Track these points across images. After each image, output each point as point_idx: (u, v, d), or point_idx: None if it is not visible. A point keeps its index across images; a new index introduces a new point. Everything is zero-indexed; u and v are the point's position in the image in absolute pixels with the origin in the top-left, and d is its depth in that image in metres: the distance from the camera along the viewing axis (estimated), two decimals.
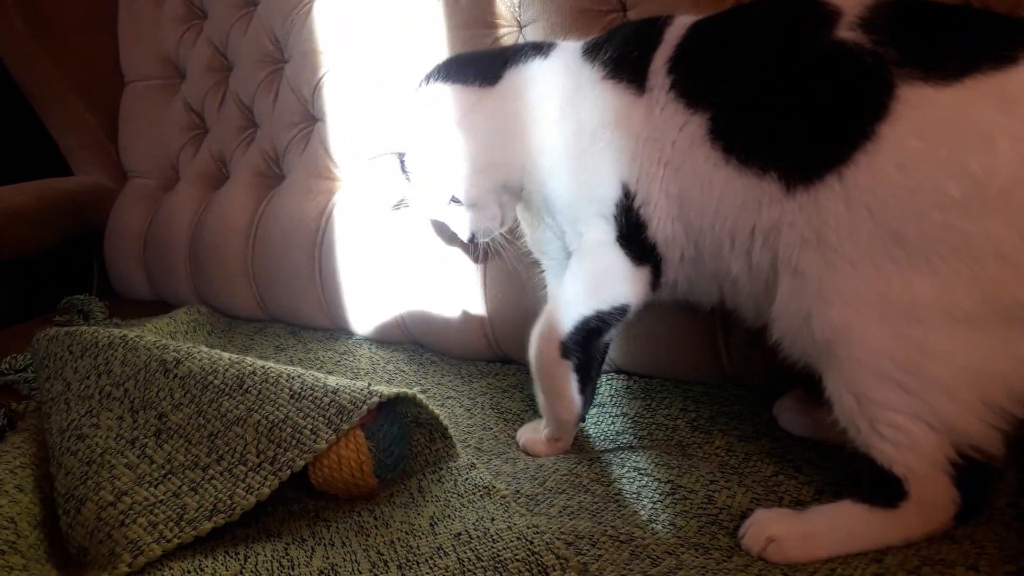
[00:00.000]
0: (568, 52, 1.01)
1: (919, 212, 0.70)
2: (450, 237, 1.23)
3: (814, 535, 0.77)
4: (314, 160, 1.56)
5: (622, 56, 0.94)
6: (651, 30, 0.92)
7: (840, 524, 0.77)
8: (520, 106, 1.00)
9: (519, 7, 1.28)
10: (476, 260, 1.30)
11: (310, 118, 1.60)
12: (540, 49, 1.03)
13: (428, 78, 1.07)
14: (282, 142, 1.64)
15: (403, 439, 0.93)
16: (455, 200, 1.05)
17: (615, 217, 0.93)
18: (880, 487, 0.76)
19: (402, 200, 1.35)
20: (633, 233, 0.92)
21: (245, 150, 1.73)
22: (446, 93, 1.04)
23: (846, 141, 0.73)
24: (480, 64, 1.05)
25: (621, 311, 0.95)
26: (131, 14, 1.96)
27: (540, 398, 1.01)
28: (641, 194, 0.90)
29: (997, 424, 0.72)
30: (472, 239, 1.08)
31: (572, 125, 0.96)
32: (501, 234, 1.09)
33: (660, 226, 0.90)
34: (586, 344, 0.96)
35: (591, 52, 0.97)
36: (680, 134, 0.86)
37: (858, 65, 0.74)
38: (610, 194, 0.92)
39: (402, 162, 1.11)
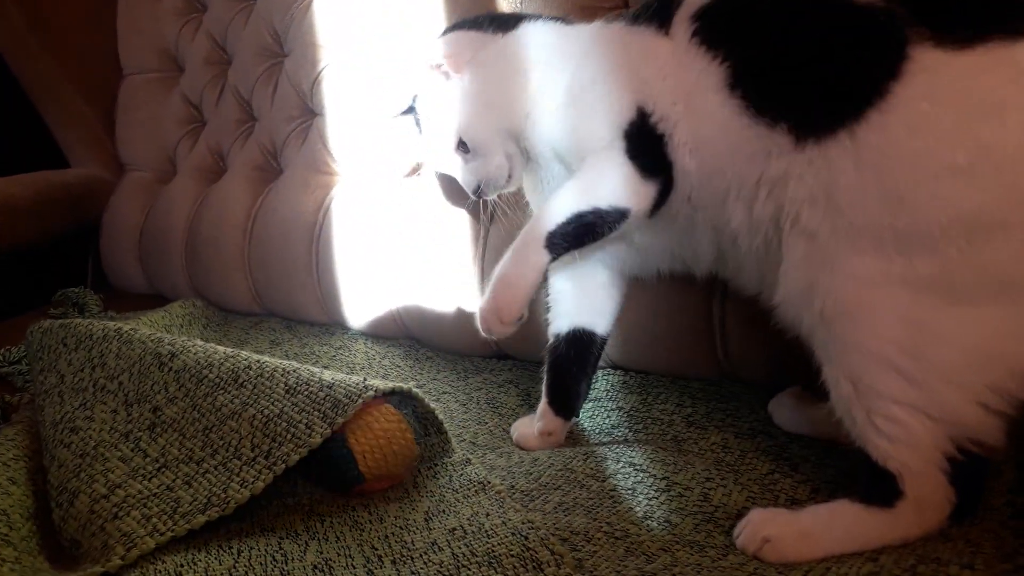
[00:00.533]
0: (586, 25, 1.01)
1: (924, 177, 0.70)
2: (457, 198, 1.22)
3: (810, 535, 0.76)
4: (312, 155, 1.56)
5: (645, 8, 0.94)
6: None
7: (836, 524, 0.77)
8: (530, 53, 1.00)
9: (520, 3, 1.28)
10: (479, 221, 1.29)
11: (309, 112, 1.60)
12: (563, 19, 1.06)
13: (447, 29, 1.09)
14: (280, 136, 1.64)
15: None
16: (462, 147, 1.04)
17: (627, 135, 0.89)
18: (876, 485, 0.75)
19: (416, 167, 1.35)
20: (648, 146, 0.88)
21: (243, 144, 1.72)
22: (460, 36, 1.05)
23: (860, 98, 0.73)
24: (500, 17, 1.08)
25: (619, 215, 0.89)
26: (130, 7, 1.96)
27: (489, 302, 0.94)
28: (659, 113, 0.88)
29: (1000, 408, 0.71)
30: (478, 192, 1.06)
31: (591, 62, 0.95)
32: (505, 201, 1.09)
33: (679, 147, 0.87)
34: (576, 240, 0.90)
35: (608, 19, 0.98)
36: (698, 78, 0.85)
37: (872, 21, 0.73)
38: (624, 115, 0.89)
39: (416, 116, 1.12)
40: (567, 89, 0.95)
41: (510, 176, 1.04)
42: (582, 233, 0.90)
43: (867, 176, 0.72)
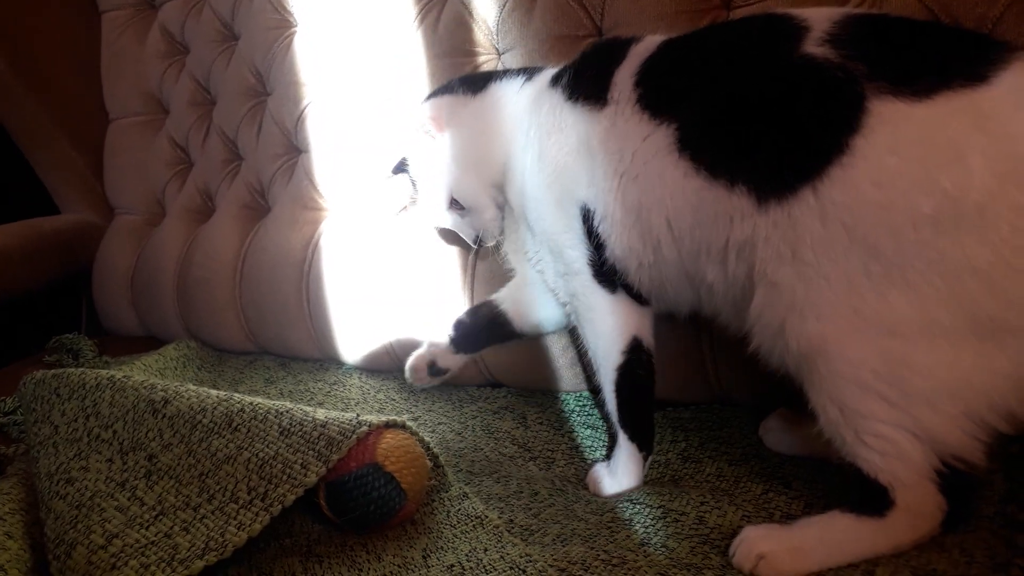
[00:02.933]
0: (544, 79, 1.05)
1: (895, 229, 0.70)
2: (452, 237, 1.29)
3: (803, 548, 0.77)
4: (299, 191, 1.57)
5: (582, 72, 0.97)
6: (615, 46, 0.95)
7: (829, 535, 0.77)
8: (497, 116, 1.07)
9: (496, 35, 1.30)
10: (467, 251, 1.33)
11: (294, 149, 1.61)
12: (528, 73, 1.10)
13: (429, 96, 1.16)
14: (267, 174, 1.64)
15: None
16: (455, 204, 1.10)
17: (585, 244, 0.97)
18: (867, 496, 0.76)
19: (410, 201, 1.39)
20: (599, 256, 0.95)
21: (230, 183, 1.73)
22: (438, 101, 1.12)
23: (820, 154, 0.73)
24: (471, 78, 1.14)
25: (637, 346, 0.98)
26: (114, 52, 1.98)
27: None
28: (599, 211, 0.93)
29: (979, 436, 0.73)
30: (477, 241, 1.14)
31: (534, 153, 1.00)
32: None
33: (618, 240, 0.92)
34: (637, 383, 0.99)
35: (556, 78, 1.01)
36: (643, 144, 0.86)
37: (828, 78, 0.74)
38: (575, 222, 0.96)
39: (409, 174, 1.20)
40: (530, 178, 1.02)
41: (503, 225, 1.12)
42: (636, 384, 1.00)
43: (835, 230, 0.73)
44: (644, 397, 0.99)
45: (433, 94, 1.16)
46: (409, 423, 0.94)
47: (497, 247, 1.18)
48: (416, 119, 1.11)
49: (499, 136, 1.06)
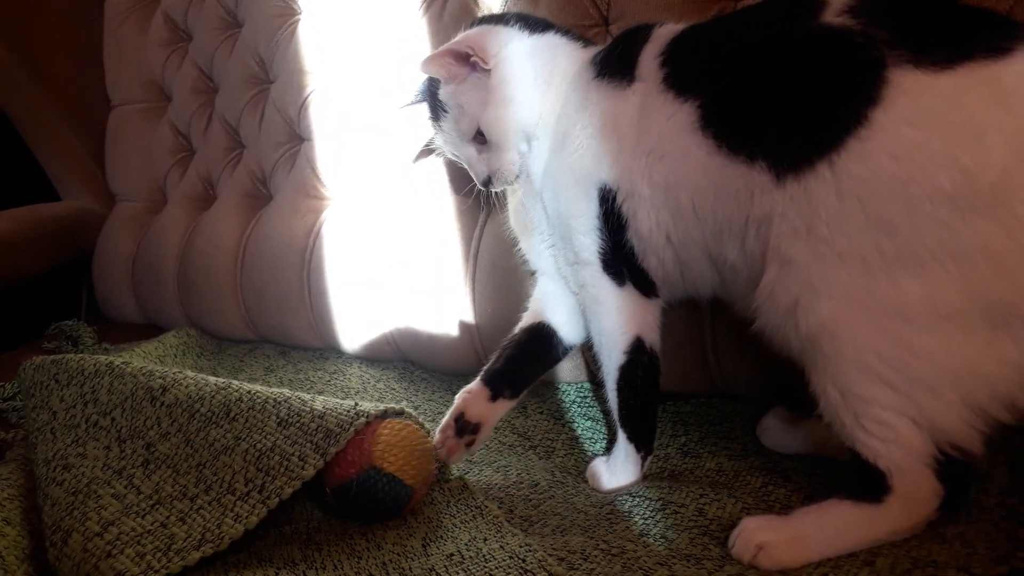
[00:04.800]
0: (590, 54, 1.02)
1: (911, 204, 0.69)
2: (461, 184, 1.25)
3: (802, 537, 0.76)
4: (301, 179, 1.57)
5: (611, 52, 0.96)
6: (641, 30, 0.94)
7: (827, 523, 0.77)
8: (548, 67, 1.02)
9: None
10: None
11: (296, 138, 1.60)
12: (584, 42, 1.06)
13: (479, 21, 1.09)
14: (269, 162, 1.64)
15: None
16: (479, 137, 1.05)
17: (598, 231, 0.95)
18: (865, 482, 0.76)
19: (428, 145, 1.32)
20: (616, 241, 0.93)
21: (232, 171, 1.73)
22: (490, 31, 1.05)
23: (837, 126, 0.72)
24: (529, 18, 1.08)
25: (639, 346, 0.95)
26: (116, 38, 1.97)
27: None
28: (624, 189, 0.91)
29: (978, 426, 0.72)
30: (487, 182, 1.08)
31: (565, 127, 0.98)
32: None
33: (644, 219, 0.91)
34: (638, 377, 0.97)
35: (592, 59, 0.99)
36: (668, 123, 0.86)
37: (847, 46, 0.73)
38: (591, 206, 0.94)
39: (432, 100, 1.10)
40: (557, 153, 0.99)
41: (519, 173, 1.06)
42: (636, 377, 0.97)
43: (850, 205, 0.72)
44: (646, 399, 0.97)
45: (484, 21, 1.10)
46: (408, 409, 0.94)
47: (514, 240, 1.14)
48: (459, 45, 1.03)
49: (545, 87, 1.01)
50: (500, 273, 1.25)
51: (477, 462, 1.06)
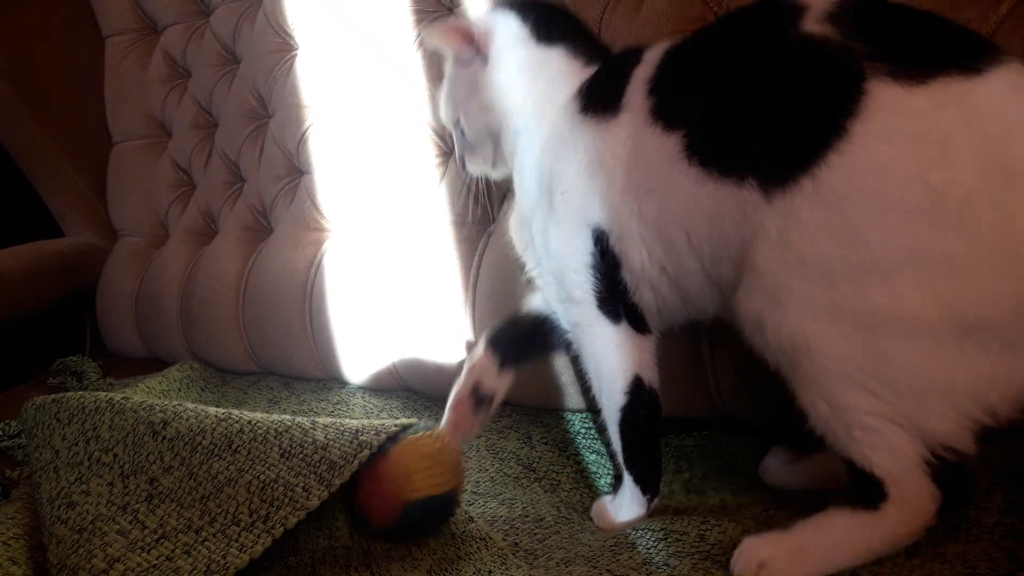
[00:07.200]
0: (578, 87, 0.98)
1: (879, 216, 0.69)
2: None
3: (802, 549, 0.76)
4: (302, 212, 1.58)
5: (596, 81, 0.94)
6: (630, 54, 0.91)
7: (825, 533, 0.77)
8: (540, 88, 0.98)
9: None
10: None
11: (296, 171, 1.62)
12: (596, 53, 1.01)
13: (499, 8, 1.06)
14: (269, 195, 1.66)
15: None
16: (459, 125, 1.05)
17: (591, 268, 0.92)
18: (862, 490, 0.75)
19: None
20: (612, 280, 0.91)
21: (233, 205, 1.74)
22: (507, 28, 1.01)
23: (819, 140, 0.71)
24: (547, 26, 1.01)
25: (639, 385, 0.93)
26: (117, 75, 1.99)
27: None
28: (615, 231, 0.89)
29: (966, 425, 0.71)
30: (463, 166, 1.09)
31: (550, 160, 0.95)
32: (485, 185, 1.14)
33: (636, 255, 0.88)
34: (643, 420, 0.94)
35: (580, 92, 0.95)
36: (657, 155, 0.84)
37: (826, 56, 0.73)
38: (585, 244, 0.91)
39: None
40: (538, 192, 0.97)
41: (493, 167, 1.07)
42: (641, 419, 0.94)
43: (821, 215, 0.71)
44: (648, 438, 0.95)
45: (504, 9, 1.03)
46: (404, 420, 0.94)
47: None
48: (476, 28, 1.00)
49: (532, 109, 0.97)
50: (498, 298, 1.25)
51: (482, 494, 1.05)
